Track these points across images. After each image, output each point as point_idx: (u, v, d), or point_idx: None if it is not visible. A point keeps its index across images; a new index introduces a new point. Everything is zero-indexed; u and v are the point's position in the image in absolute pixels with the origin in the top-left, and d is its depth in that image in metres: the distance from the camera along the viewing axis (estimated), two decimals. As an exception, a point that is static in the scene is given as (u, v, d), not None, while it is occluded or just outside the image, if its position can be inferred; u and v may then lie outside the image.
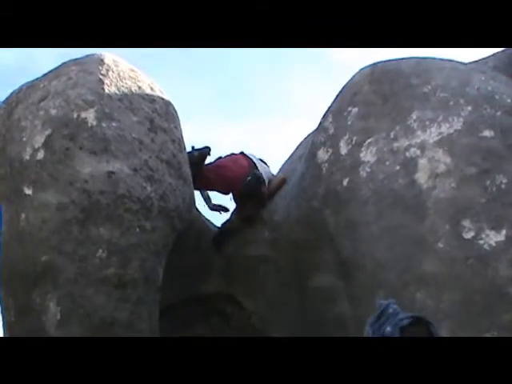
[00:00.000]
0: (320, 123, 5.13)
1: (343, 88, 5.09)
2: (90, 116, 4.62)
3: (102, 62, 4.93)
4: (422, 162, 4.20)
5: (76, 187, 4.44)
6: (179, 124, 5.31)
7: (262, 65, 22.80)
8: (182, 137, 5.28)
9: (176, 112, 5.32)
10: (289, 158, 6.38)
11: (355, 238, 4.44)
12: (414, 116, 4.40)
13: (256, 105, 23.47)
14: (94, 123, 4.60)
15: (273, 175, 6.26)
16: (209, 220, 6.25)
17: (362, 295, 4.40)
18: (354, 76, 5.05)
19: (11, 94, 5.16)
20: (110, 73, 4.88)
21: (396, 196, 4.24)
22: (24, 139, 4.63)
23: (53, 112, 4.63)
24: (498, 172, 4.01)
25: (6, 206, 4.68)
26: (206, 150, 5.84)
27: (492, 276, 3.80)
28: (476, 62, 5.57)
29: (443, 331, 3.70)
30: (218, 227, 6.10)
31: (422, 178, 4.16)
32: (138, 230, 4.55)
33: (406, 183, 4.21)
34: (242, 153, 6.12)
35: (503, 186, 3.97)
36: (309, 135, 6.10)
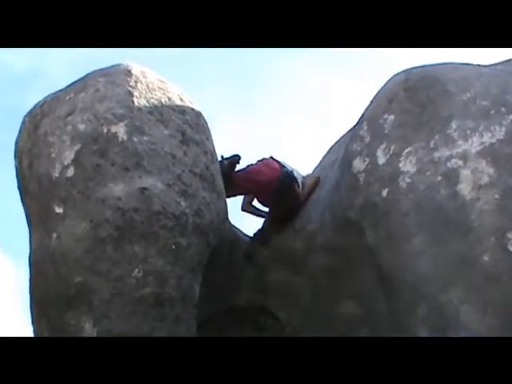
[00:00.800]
0: (354, 131, 5.02)
1: (377, 94, 4.98)
2: (120, 130, 4.52)
3: (129, 73, 4.83)
4: (465, 172, 4.08)
5: (109, 205, 4.34)
6: (210, 135, 5.22)
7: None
8: (213, 148, 5.19)
9: (206, 122, 5.22)
10: (319, 164, 6.29)
11: (396, 251, 4.33)
12: (453, 125, 4.29)
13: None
14: (125, 138, 4.50)
15: (303, 177, 6.20)
16: (239, 230, 6.16)
17: (403, 309, 4.33)
18: (387, 82, 4.94)
19: (34, 106, 5.05)
20: (139, 84, 4.77)
21: (438, 208, 4.12)
22: (52, 155, 4.53)
23: (81, 127, 4.52)
24: (542, 181, 3.93)
25: (36, 225, 4.60)
26: (236, 159, 5.77)
27: (540, 288, 3.72)
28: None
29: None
30: (250, 237, 6.01)
31: (464, 189, 4.05)
32: (173, 247, 4.46)
33: (448, 195, 4.10)
34: (271, 157, 6.05)
35: (548, 195, 3.88)
36: (339, 140, 6.03)
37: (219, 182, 5.11)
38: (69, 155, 4.46)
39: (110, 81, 4.75)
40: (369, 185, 4.61)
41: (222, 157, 5.72)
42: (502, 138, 4.08)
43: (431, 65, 4.88)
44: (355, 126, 5.09)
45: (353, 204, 4.75)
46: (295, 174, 5.88)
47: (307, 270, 5.47)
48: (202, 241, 4.72)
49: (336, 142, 6.13)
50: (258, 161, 6.12)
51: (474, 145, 4.14)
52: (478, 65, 4.89)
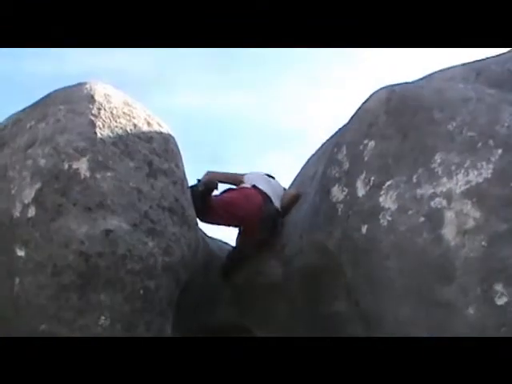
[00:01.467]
0: (332, 154, 4.75)
1: (356, 114, 4.72)
2: (82, 167, 4.23)
3: (92, 99, 4.51)
4: (449, 215, 3.83)
5: (72, 250, 4.09)
6: (181, 159, 4.93)
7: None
8: (184, 175, 4.91)
9: (176, 145, 4.93)
10: (299, 176, 6.09)
11: (377, 293, 4.13)
12: (438, 159, 4.01)
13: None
14: (88, 175, 4.22)
15: (284, 189, 5.97)
16: (216, 241, 5.96)
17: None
18: (367, 100, 4.66)
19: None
20: (102, 112, 4.46)
21: (421, 253, 3.89)
22: (12, 192, 4.26)
23: (41, 162, 4.23)
24: (532, 229, 3.68)
25: (-2, 265, 4.39)
26: (213, 186, 5.48)
27: (527, 345, 3.53)
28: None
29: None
30: (227, 255, 5.80)
31: (449, 233, 3.80)
32: (141, 292, 4.23)
33: (431, 238, 3.85)
34: (253, 186, 5.75)
35: (537, 245, 3.65)
36: (317, 152, 5.81)
37: (190, 212, 4.84)
38: (29, 193, 4.19)
39: (71, 109, 4.44)
40: (348, 218, 4.38)
41: (198, 180, 5.47)
42: (489, 176, 3.80)
43: (414, 83, 4.62)
44: (334, 147, 4.82)
45: (331, 235, 4.52)
46: (276, 207, 5.66)
47: (285, 292, 5.30)
48: (171, 280, 4.50)
49: (314, 154, 5.91)
50: (237, 189, 5.85)
51: (459, 183, 3.87)
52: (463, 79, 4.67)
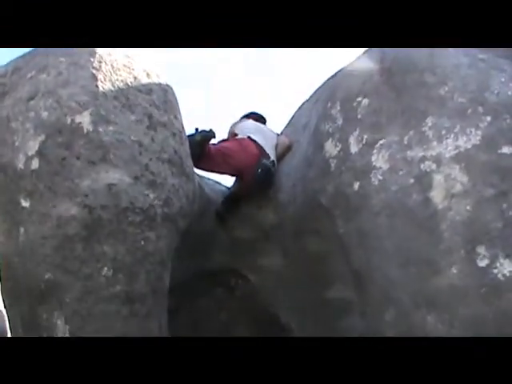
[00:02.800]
0: (326, 109, 4.87)
1: (349, 69, 4.82)
2: (85, 120, 4.31)
3: (93, 52, 4.56)
4: (438, 178, 3.98)
5: (76, 202, 4.22)
6: (178, 111, 5.02)
7: None
8: (182, 126, 5.02)
9: (174, 96, 5.03)
10: (290, 122, 6.16)
11: (367, 249, 4.32)
12: (429, 122, 4.14)
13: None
14: (90, 128, 4.31)
15: (277, 135, 6.09)
16: (212, 184, 6.11)
17: (372, 310, 4.39)
18: (359, 58, 4.76)
19: (-5, 74, 4.81)
20: (103, 65, 4.52)
21: (410, 213, 4.06)
22: (16, 144, 4.35)
23: (44, 115, 4.31)
24: (516, 194, 3.85)
25: (3, 214, 4.50)
26: (210, 135, 5.59)
27: (505, 306, 3.70)
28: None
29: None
30: (222, 200, 5.98)
31: (437, 196, 3.97)
32: (142, 242, 4.40)
33: (420, 200, 4.02)
34: (248, 137, 5.87)
35: (520, 210, 3.83)
36: (309, 99, 5.88)
37: (188, 163, 4.98)
38: (33, 146, 4.29)
39: (72, 62, 4.49)
40: (340, 174, 4.54)
41: (196, 129, 5.56)
42: (477, 143, 3.94)
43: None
44: (327, 102, 4.93)
45: (324, 190, 4.70)
46: (272, 159, 5.77)
47: (277, 238, 5.50)
48: (171, 230, 4.67)
49: (307, 100, 5.97)
50: (234, 139, 5.96)
51: (448, 148, 4.01)
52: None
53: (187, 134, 5.21)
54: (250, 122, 6.31)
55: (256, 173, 5.61)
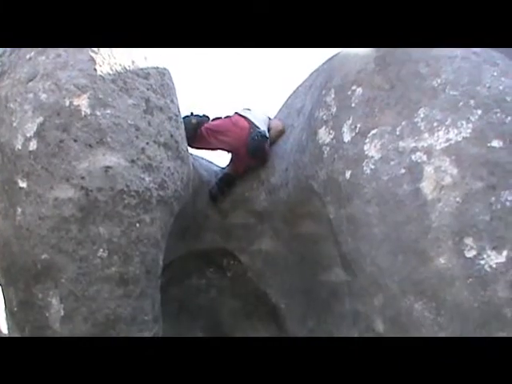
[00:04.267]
0: (320, 95, 4.94)
1: (344, 56, 4.88)
2: (83, 103, 4.37)
3: (92, 35, 4.59)
4: (428, 170, 4.08)
5: (73, 184, 4.30)
6: (175, 94, 5.08)
7: None
8: (178, 109, 5.08)
9: (171, 79, 5.08)
10: (284, 106, 6.22)
11: (357, 236, 4.42)
12: (421, 113, 4.23)
13: None
14: (88, 112, 4.38)
15: (269, 118, 6.16)
16: (205, 164, 6.19)
17: (361, 295, 4.49)
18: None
19: (-6, 54, 4.84)
20: (102, 49, 4.54)
21: (400, 202, 4.16)
22: (14, 124, 4.40)
23: (43, 97, 4.37)
24: (504, 188, 3.90)
25: (0, 196, 4.56)
26: (205, 119, 5.68)
27: (490, 297, 3.82)
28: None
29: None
30: (216, 180, 6.05)
31: (427, 187, 4.07)
32: (137, 225, 4.48)
33: (410, 190, 4.12)
34: (236, 113, 5.96)
35: (508, 204, 3.87)
36: (304, 83, 5.93)
37: (183, 146, 5.05)
38: (31, 127, 4.35)
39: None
40: (333, 161, 4.62)
41: (191, 113, 5.65)
42: (468, 136, 4.03)
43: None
44: (322, 89, 4.99)
45: (317, 175, 4.79)
46: (263, 130, 5.83)
47: (269, 220, 5.59)
48: (165, 213, 4.76)
49: (301, 85, 6.03)
50: (224, 117, 6.04)
51: (439, 140, 4.10)
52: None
53: (182, 116, 5.27)
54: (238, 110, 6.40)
55: (249, 141, 5.74)
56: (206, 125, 5.87)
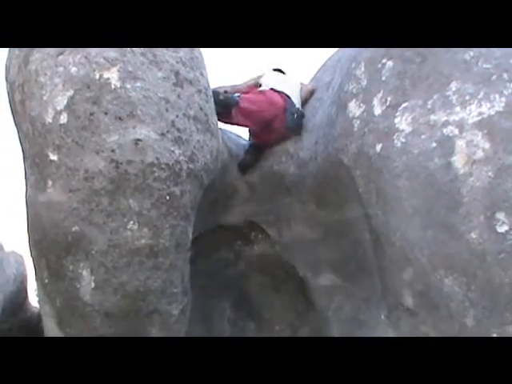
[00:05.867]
0: (350, 69, 4.89)
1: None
2: (113, 76, 4.37)
3: (121, 8, 4.58)
4: (460, 143, 4.01)
5: (103, 157, 4.31)
6: (204, 67, 5.05)
7: None
8: (207, 83, 5.06)
9: (200, 53, 5.05)
10: (313, 81, 6.21)
11: (386, 210, 4.38)
12: (453, 87, 4.14)
13: None
14: (118, 84, 4.37)
15: (300, 83, 6.18)
16: (233, 137, 6.19)
17: (390, 269, 4.48)
18: (386, 20, 4.76)
19: (24, 29, 4.84)
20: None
21: (431, 176, 4.11)
22: (44, 98, 4.41)
23: (73, 70, 4.37)
24: (537, 163, 3.89)
25: (31, 168, 4.60)
26: (233, 102, 5.66)
27: (522, 271, 3.83)
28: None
29: (469, 320, 3.89)
30: (244, 151, 6.07)
31: (458, 161, 4.00)
32: (168, 197, 4.49)
33: (441, 164, 4.06)
34: (272, 89, 5.95)
35: (540, 179, 3.86)
36: (332, 56, 5.91)
37: (213, 120, 5.05)
38: (61, 100, 4.35)
39: (100, 17, 4.53)
40: (363, 134, 4.57)
41: (225, 92, 5.69)
42: (501, 110, 3.94)
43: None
44: (352, 62, 4.94)
45: (346, 149, 4.75)
46: (299, 107, 5.86)
47: (297, 194, 5.58)
48: (195, 186, 4.76)
49: (329, 59, 6.01)
50: (258, 92, 6.00)
51: (471, 114, 4.01)
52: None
53: (212, 89, 5.28)
54: (273, 74, 6.35)
55: (289, 119, 5.76)
56: (241, 104, 5.77)
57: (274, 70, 6.52)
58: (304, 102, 6.05)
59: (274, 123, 5.83)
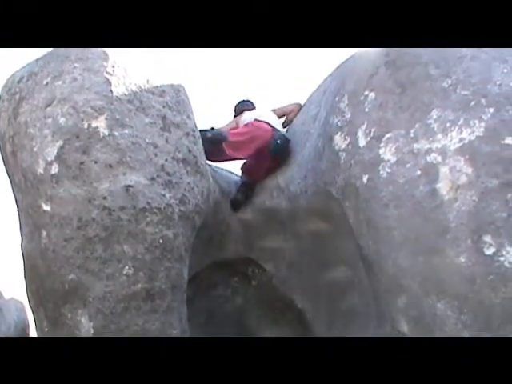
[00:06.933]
0: (334, 102, 4.99)
1: (356, 62, 4.93)
2: (101, 125, 4.48)
3: (106, 56, 4.70)
4: (444, 170, 4.09)
5: (95, 204, 4.41)
6: (191, 110, 5.17)
7: None
8: (195, 124, 5.17)
9: (186, 95, 5.18)
10: (300, 113, 6.33)
11: (377, 239, 4.43)
12: (434, 115, 4.24)
13: None
14: (106, 132, 4.49)
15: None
16: (224, 175, 6.29)
17: (384, 296, 4.54)
18: (367, 51, 4.86)
19: (12, 82, 4.94)
20: (116, 69, 4.67)
21: (417, 204, 4.18)
22: (35, 149, 4.53)
23: (61, 121, 4.48)
24: (520, 185, 3.97)
25: (25, 219, 4.68)
26: (222, 138, 5.77)
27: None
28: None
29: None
30: (236, 188, 6.14)
31: (443, 188, 4.08)
32: (161, 241, 4.57)
33: (427, 192, 4.13)
34: (256, 119, 6.14)
35: (524, 199, 3.94)
36: (318, 89, 6.00)
37: (202, 160, 5.15)
38: (51, 151, 4.46)
39: (86, 68, 4.63)
40: (350, 167, 4.64)
41: (212, 128, 5.78)
42: (481, 134, 4.03)
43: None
44: (336, 96, 5.04)
45: (335, 181, 4.82)
46: (283, 132, 6.06)
47: (292, 229, 5.65)
48: (188, 227, 4.84)
49: (315, 90, 6.10)
50: (244, 125, 6.14)
51: (453, 140, 4.10)
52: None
53: (200, 129, 5.39)
54: (249, 113, 6.52)
55: (273, 143, 5.88)
56: (230, 138, 5.93)
57: (244, 101, 6.82)
58: (289, 120, 6.31)
59: (263, 152, 5.92)
